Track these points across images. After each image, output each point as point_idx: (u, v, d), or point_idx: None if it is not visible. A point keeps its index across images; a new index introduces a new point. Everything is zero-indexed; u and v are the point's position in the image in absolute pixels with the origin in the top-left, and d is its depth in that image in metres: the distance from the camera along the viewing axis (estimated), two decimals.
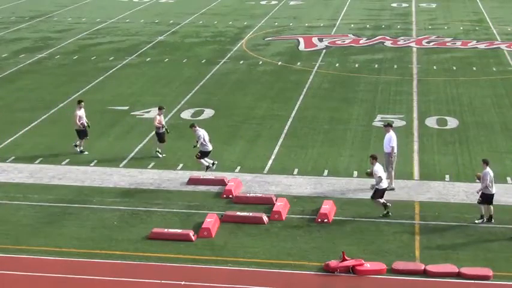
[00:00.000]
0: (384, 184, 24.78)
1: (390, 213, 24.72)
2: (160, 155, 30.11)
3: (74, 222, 24.49)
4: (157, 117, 30.35)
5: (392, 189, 26.56)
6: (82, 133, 30.66)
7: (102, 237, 23.34)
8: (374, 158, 25.10)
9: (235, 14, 64.45)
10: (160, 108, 30.70)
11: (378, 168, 24.79)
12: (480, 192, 24.18)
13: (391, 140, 27.15)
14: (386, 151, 27.15)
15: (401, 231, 23.73)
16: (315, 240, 23.17)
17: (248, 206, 25.43)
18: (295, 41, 52.88)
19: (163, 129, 30.33)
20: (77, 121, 30.52)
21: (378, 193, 24.77)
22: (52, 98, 38.47)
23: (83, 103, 31.13)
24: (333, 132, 33.14)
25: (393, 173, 27.08)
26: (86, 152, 30.54)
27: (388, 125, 28.01)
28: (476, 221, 24.16)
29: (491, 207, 24.18)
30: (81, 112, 30.65)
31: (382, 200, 24.78)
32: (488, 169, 24.19)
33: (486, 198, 24.09)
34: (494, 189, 24.18)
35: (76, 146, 30.72)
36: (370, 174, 25.15)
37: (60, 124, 34.06)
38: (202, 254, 22.25)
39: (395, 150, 27.21)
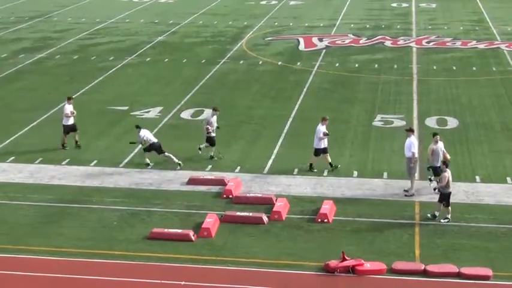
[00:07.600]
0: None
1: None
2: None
3: (74, 222, 24.49)
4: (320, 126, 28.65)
5: (412, 194, 26.27)
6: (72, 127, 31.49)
7: (102, 237, 23.33)
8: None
9: (235, 14, 64.42)
10: (324, 120, 28.98)
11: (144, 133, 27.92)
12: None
13: (411, 145, 26.61)
14: (407, 156, 26.67)
15: (401, 231, 23.72)
16: (315, 240, 23.16)
17: (248, 206, 25.43)
18: (295, 41, 52.86)
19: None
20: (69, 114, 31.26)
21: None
22: (52, 98, 38.41)
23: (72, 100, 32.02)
24: (333, 132, 33.06)
25: (413, 178, 26.63)
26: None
27: (410, 130, 27.46)
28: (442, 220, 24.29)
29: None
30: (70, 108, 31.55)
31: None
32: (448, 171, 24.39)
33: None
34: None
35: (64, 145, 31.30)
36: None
37: (60, 124, 33.97)
38: (202, 254, 22.23)
39: (416, 155, 26.66)
